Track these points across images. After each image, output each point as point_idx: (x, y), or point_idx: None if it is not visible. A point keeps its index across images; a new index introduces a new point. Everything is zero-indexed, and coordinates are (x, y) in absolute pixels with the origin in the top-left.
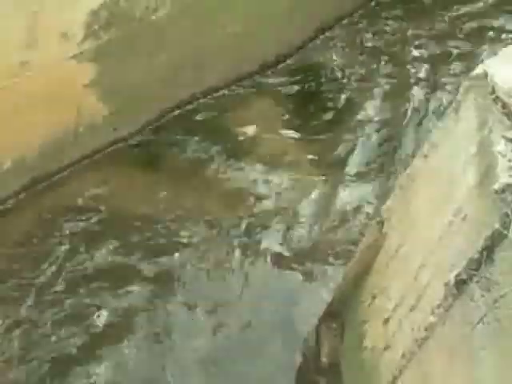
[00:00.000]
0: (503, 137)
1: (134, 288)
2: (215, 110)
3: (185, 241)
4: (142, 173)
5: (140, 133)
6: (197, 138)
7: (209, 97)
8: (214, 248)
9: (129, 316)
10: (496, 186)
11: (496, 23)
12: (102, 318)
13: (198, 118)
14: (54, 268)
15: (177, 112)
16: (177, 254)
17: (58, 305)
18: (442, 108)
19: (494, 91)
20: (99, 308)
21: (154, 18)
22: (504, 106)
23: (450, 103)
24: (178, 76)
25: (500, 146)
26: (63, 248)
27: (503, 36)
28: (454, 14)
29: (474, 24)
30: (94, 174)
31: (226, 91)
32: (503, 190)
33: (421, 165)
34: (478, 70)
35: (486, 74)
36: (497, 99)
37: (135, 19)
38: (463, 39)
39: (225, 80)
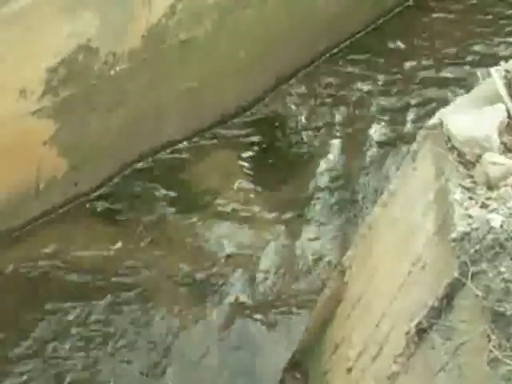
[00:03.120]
0: (460, 185)
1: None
2: (175, 163)
3: (145, 294)
4: (103, 227)
5: (101, 187)
6: (157, 191)
7: (169, 149)
8: (176, 300)
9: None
10: (454, 235)
11: (454, 73)
12: None
13: (159, 170)
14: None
15: (137, 165)
16: (138, 308)
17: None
18: (400, 157)
19: (449, 140)
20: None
21: (112, 73)
22: (460, 154)
23: (408, 152)
24: (137, 130)
25: (457, 195)
26: (23, 301)
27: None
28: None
29: (431, 74)
30: (56, 230)
31: (186, 143)
32: (461, 239)
33: (380, 213)
34: (434, 119)
35: (441, 124)
36: (453, 148)
37: (94, 75)
38: (422, 88)
39: (184, 132)
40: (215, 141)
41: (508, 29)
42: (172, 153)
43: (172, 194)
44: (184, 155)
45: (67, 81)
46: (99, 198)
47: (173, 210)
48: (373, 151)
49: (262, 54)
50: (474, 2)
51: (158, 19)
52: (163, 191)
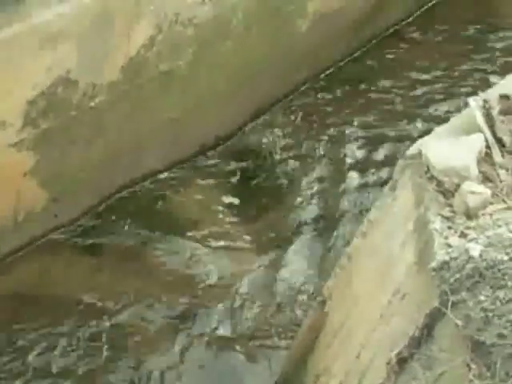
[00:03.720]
0: (439, 214)
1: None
2: (155, 194)
3: (127, 326)
4: (83, 259)
5: (80, 219)
6: (138, 223)
7: (149, 180)
8: (155, 331)
9: None
10: (433, 264)
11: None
12: None
13: (139, 202)
14: None
15: (117, 197)
16: (119, 340)
17: None
18: (379, 186)
19: (428, 170)
20: None
21: (91, 104)
22: (439, 184)
23: (387, 182)
24: (117, 161)
25: (436, 224)
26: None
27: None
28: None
29: (411, 104)
30: (35, 262)
31: (165, 174)
32: (441, 268)
33: (360, 243)
34: (413, 149)
35: (420, 153)
36: (432, 178)
37: (73, 106)
38: (402, 118)
39: (164, 163)
40: (195, 171)
41: (489, 58)
42: (152, 183)
43: (152, 224)
44: (164, 186)
45: (47, 113)
46: (79, 229)
47: (153, 240)
48: (353, 181)
49: (242, 84)
50: (454, 33)
51: (137, 50)
52: (143, 222)
